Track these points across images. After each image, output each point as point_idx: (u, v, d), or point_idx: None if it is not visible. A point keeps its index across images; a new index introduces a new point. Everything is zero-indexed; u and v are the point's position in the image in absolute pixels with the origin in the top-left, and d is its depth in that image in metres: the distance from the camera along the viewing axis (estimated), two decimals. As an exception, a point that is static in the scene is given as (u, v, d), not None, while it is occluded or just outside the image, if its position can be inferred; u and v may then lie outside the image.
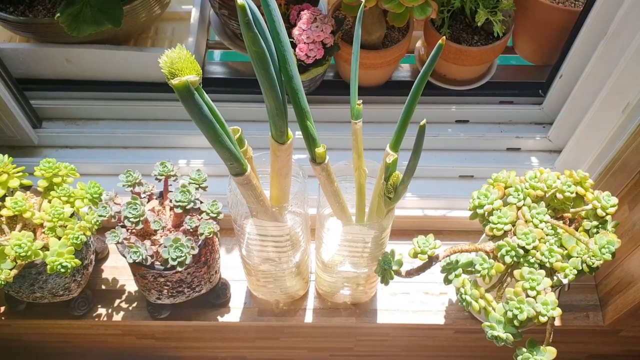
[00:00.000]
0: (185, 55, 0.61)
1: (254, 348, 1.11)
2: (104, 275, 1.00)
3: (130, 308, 0.97)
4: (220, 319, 0.96)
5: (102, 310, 0.97)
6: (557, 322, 0.98)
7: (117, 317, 0.96)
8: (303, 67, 1.02)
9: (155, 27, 1.21)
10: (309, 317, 0.97)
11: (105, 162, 1.07)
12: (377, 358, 1.15)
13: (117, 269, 1.01)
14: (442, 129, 1.11)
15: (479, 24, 1.01)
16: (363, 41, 1.05)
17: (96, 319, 0.96)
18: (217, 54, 1.42)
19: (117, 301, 0.98)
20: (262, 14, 0.61)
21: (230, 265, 1.01)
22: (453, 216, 1.02)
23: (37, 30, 1.05)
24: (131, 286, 0.99)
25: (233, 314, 0.97)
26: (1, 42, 1.14)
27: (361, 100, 0.74)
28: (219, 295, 0.97)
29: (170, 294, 0.89)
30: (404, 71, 1.20)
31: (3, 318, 0.96)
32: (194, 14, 1.15)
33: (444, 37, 0.62)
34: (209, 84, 1.15)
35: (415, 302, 0.99)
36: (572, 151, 1.01)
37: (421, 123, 0.63)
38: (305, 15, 0.99)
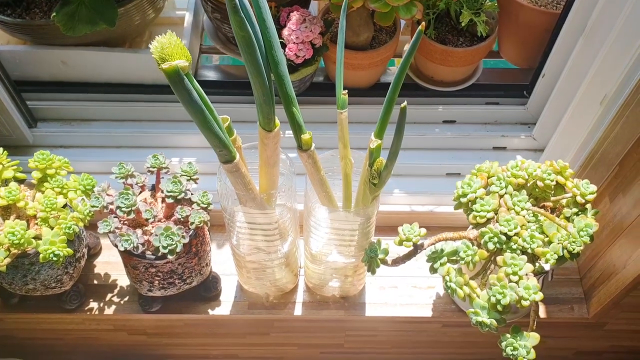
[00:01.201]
0: (175, 41, 0.63)
1: (245, 345, 1.12)
2: (96, 271, 1.02)
3: (122, 302, 0.98)
4: (211, 312, 0.98)
5: (94, 304, 0.98)
6: (542, 315, 1.00)
7: (109, 310, 0.97)
8: (293, 67, 1.05)
9: (149, 31, 1.23)
10: (298, 310, 0.98)
11: (98, 160, 1.09)
12: (367, 355, 1.16)
13: (110, 264, 1.02)
14: (429, 129, 1.14)
15: (463, 24, 1.04)
16: (351, 42, 1.08)
17: (88, 313, 0.97)
18: (214, 58, 1.45)
19: (109, 295, 0.99)
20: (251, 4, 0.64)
21: (220, 261, 1.02)
22: (440, 212, 1.04)
23: (33, 32, 1.08)
24: (123, 281, 1.01)
25: (224, 307, 0.98)
26: (-2, 45, 1.17)
27: (346, 91, 0.76)
28: (209, 289, 0.98)
29: (161, 285, 0.90)
30: (391, 74, 1.23)
31: (-4, 312, 0.97)
32: (188, 18, 1.18)
33: (424, 23, 0.64)
34: (203, 86, 1.17)
35: (404, 295, 1.01)
36: (555, 147, 1.03)
37: (402, 105, 0.65)
38: (294, 16, 1.02)
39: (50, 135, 1.12)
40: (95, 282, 1.01)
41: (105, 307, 0.98)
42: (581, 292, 1.01)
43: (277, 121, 0.74)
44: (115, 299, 0.99)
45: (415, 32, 0.65)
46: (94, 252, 1.03)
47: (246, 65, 0.66)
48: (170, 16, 1.25)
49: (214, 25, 1.18)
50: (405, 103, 0.65)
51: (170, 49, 0.63)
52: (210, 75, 1.22)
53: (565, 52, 0.99)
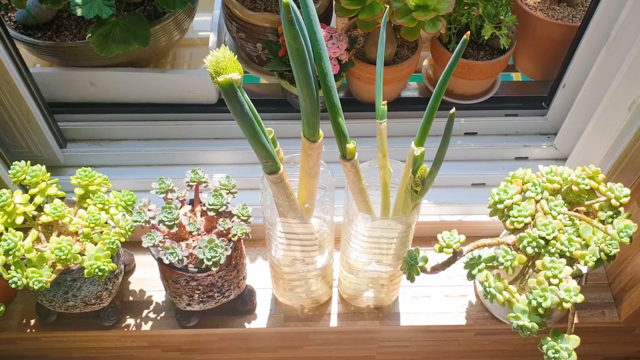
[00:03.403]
0: (229, 55, 0.65)
1: (277, 359, 1.12)
2: (131, 287, 1.02)
3: (159, 318, 0.99)
4: (247, 325, 0.98)
5: (130, 321, 0.99)
6: (574, 320, 1.01)
7: (146, 326, 0.98)
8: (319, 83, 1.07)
9: (173, 52, 1.26)
10: (334, 322, 0.99)
11: (129, 179, 1.10)
12: (397, 366, 1.17)
13: (144, 280, 1.03)
14: (452, 141, 1.15)
15: (485, 38, 1.07)
16: (375, 58, 1.11)
17: (125, 329, 0.98)
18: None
19: (145, 311, 1.00)
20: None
21: (254, 274, 1.03)
22: (469, 221, 1.06)
23: (63, 53, 1.10)
24: (159, 297, 1.01)
25: (260, 321, 0.99)
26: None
27: (385, 102, 0.79)
28: (246, 302, 0.99)
29: (200, 299, 0.91)
30: (411, 89, 1.25)
31: (34, 330, 0.97)
32: (212, 38, 1.21)
33: (469, 32, 0.67)
34: (225, 104, 1.20)
35: (437, 304, 1.02)
36: (578, 155, 1.05)
37: (450, 112, 0.67)
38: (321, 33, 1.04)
39: (80, 155, 1.13)
40: (131, 298, 1.01)
41: (142, 323, 0.98)
42: (611, 297, 1.03)
43: (321, 132, 0.76)
44: (152, 315, 0.99)
45: (461, 41, 0.67)
46: (128, 269, 1.03)
47: (296, 76, 0.68)
48: (192, 37, 1.28)
49: (237, 45, 1.21)
50: (453, 110, 0.67)
51: (224, 63, 0.66)
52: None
53: (586, 62, 1.02)
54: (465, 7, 1.09)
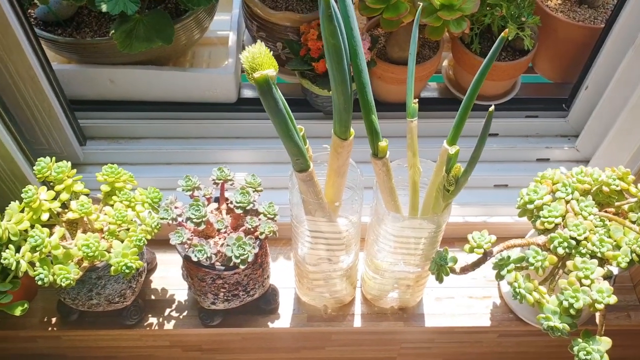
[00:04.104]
0: (265, 51, 0.65)
1: (298, 360, 1.11)
2: (152, 286, 1.02)
3: (181, 317, 0.98)
4: (270, 325, 0.97)
5: (152, 320, 0.98)
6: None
7: (168, 325, 0.97)
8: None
9: (192, 51, 1.25)
10: (357, 322, 0.99)
11: (148, 177, 1.09)
12: (418, 368, 1.16)
13: (166, 279, 1.02)
14: (473, 142, 1.15)
15: (509, 38, 1.07)
16: (397, 57, 1.11)
17: (147, 328, 0.97)
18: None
19: (168, 310, 0.99)
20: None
21: (276, 274, 1.02)
22: (493, 222, 1.05)
23: (84, 50, 1.09)
24: (181, 295, 1.01)
25: (283, 320, 0.98)
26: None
27: (417, 100, 0.78)
28: (269, 301, 0.98)
29: (225, 297, 0.90)
30: (431, 89, 1.25)
31: (55, 329, 0.96)
32: (232, 37, 1.20)
33: (507, 30, 0.66)
34: (244, 103, 1.20)
35: (461, 305, 1.01)
36: (602, 157, 1.05)
37: (490, 109, 0.67)
38: (345, 32, 1.04)
39: (100, 153, 1.12)
40: (153, 297, 1.00)
41: (164, 322, 0.98)
42: (636, 299, 1.02)
43: (352, 130, 0.75)
44: (174, 314, 0.98)
45: (498, 39, 0.66)
46: (150, 267, 1.03)
47: (331, 73, 0.67)
48: (210, 37, 1.28)
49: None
50: (492, 107, 0.67)
51: (260, 59, 0.65)
52: (249, 93, 1.23)
53: (611, 64, 1.02)
54: (488, 8, 1.08)
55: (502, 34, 0.66)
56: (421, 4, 0.80)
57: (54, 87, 0.99)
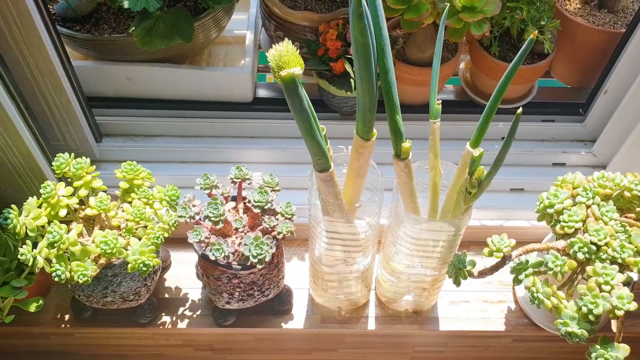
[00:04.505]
0: (292, 49, 0.65)
1: (309, 362, 1.11)
2: (166, 284, 1.01)
3: (195, 316, 0.98)
4: (284, 325, 0.97)
5: (166, 319, 0.97)
6: (614, 329, 1.00)
7: (182, 324, 0.97)
8: (360, 83, 1.06)
9: (208, 50, 1.25)
10: (371, 324, 0.98)
11: (163, 175, 1.09)
12: (430, 372, 1.15)
13: (179, 277, 1.02)
14: (490, 145, 1.13)
15: (529, 42, 1.06)
16: (415, 59, 1.10)
17: (160, 327, 0.96)
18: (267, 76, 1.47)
19: (181, 309, 0.98)
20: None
21: (290, 275, 1.02)
22: (509, 226, 1.04)
23: (102, 47, 1.09)
24: (195, 294, 1.00)
25: (297, 321, 0.98)
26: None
27: (440, 100, 0.78)
28: (283, 302, 0.98)
29: (240, 297, 0.90)
30: (448, 92, 1.25)
31: (68, 326, 0.96)
32: (249, 36, 1.20)
33: (535, 31, 0.66)
34: (260, 103, 1.19)
35: (475, 310, 1.01)
36: (621, 162, 1.04)
37: (518, 112, 0.66)
38: (364, 32, 1.03)
39: (115, 150, 1.12)
40: (167, 295, 1.00)
41: (178, 321, 0.97)
42: (652, 307, 1.01)
43: (375, 130, 0.75)
44: (188, 313, 0.98)
45: (527, 41, 0.66)
46: (164, 265, 1.02)
47: (357, 72, 0.67)
48: (226, 36, 1.27)
49: (272, 43, 1.20)
50: (520, 109, 0.66)
51: (287, 57, 0.65)
52: (264, 93, 1.23)
53: (632, 69, 1.01)
54: (508, 11, 1.08)
55: (532, 35, 0.66)
56: (447, 4, 0.79)
57: (72, 83, 0.99)
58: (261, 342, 1.02)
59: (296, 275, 1.03)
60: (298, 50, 1.20)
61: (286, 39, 0.65)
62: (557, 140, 1.18)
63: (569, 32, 1.17)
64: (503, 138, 1.17)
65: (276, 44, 0.64)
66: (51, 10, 1.11)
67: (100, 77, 1.13)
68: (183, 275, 1.02)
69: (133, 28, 0.98)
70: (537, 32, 0.66)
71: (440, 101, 0.77)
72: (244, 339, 1.01)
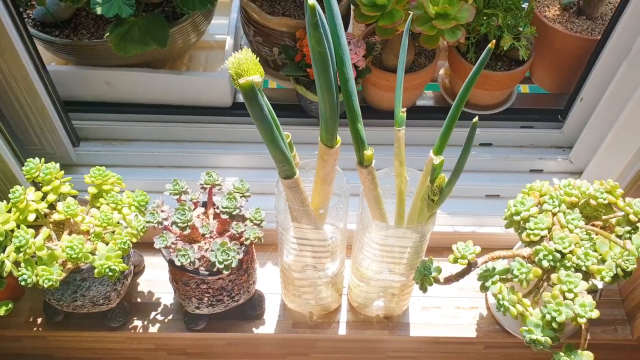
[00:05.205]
0: (251, 57, 0.65)
1: (283, 366, 1.11)
2: (139, 289, 1.02)
3: (166, 320, 0.98)
4: (255, 330, 0.97)
5: (137, 323, 0.98)
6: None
7: (153, 329, 0.97)
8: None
9: (189, 54, 1.26)
10: (342, 330, 0.98)
11: (141, 179, 1.10)
12: (405, 378, 1.15)
13: (153, 282, 1.02)
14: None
15: (504, 48, 1.06)
16: (392, 65, 1.11)
17: (132, 331, 0.97)
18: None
19: (153, 313, 0.99)
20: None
21: (263, 280, 1.02)
22: (482, 232, 1.05)
23: (80, 52, 1.10)
24: (167, 299, 1.01)
25: (268, 326, 0.98)
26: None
27: (405, 109, 0.78)
28: (255, 307, 0.98)
29: (210, 302, 0.90)
30: (427, 98, 1.25)
31: (40, 329, 0.97)
32: (229, 41, 1.20)
33: (494, 40, 0.66)
34: (239, 108, 1.20)
35: (447, 316, 1.01)
36: (595, 169, 1.04)
37: (473, 120, 0.66)
38: (339, 39, 1.04)
39: (93, 154, 1.13)
40: (139, 300, 1.01)
41: (149, 325, 0.98)
42: (624, 314, 1.01)
43: (339, 138, 0.75)
44: (159, 317, 0.98)
45: (485, 49, 0.66)
46: (137, 270, 1.03)
47: (317, 80, 0.67)
48: (208, 40, 1.28)
49: (253, 49, 1.21)
50: (476, 118, 0.66)
51: (246, 65, 0.65)
52: (246, 98, 1.23)
53: (606, 76, 1.01)
54: (485, 18, 1.08)
55: (490, 45, 0.66)
56: (411, 12, 0.80)
57: (47, 88, 1.00)
58: (233, 346, 1.03)
59: (270, 280, 1.03)
60: (277, 56, 1.21)
61: (245, 48, 0.65)
62: (535, 146, 1.18)
63: (548, 38, 1.17)
64: (481, 144, 1.18)
65: (235, 52, 0.65)
66: (30, 15, 1.12)
67: (79, 82, 1.13)
68: (156, 280, 1.02)
69: (108, 34, 0.99)
70: (494, 42, 0.66)
71: (405, 109, 0.77)
72: (216, 343, 1.02)
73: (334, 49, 0.67)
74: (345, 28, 1.17)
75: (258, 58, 1.26)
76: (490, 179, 1.13)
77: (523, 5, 1.09)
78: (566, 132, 1.16)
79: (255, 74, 0.64)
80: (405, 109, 0.77)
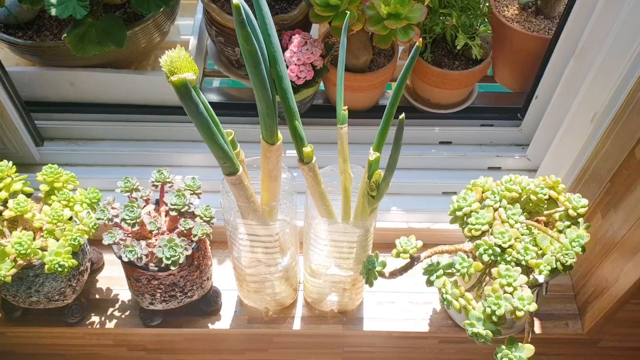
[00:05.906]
0: (184, 55, 0.66)
1: (244, 362, 1.13)
2: (98, 285, 1.03)
3: (123, 316, 1.00)
4: (211, 326, 0.99)
5: (95, 319, 0.99)
6: (538, 330, 1.02)
7: (110, 324, 0.99)
8: (294, 88, 1.08)
9: (154, 54, 1.27)
10: (297, 324, 1.00)
11: (103, 178, 1.11)
12: (364, 373, 1.17)
13: (112, 279, 1.04)
14: (426, 149, 1.17)
15: (458, 48, 1.08)
16: (350, 65, 1.12)
17: (89, 327, 0.99)
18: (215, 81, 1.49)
19: (111, 310, 1.00)
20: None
21: (221, 276, 1.04)
22: (436, 228, 1.06)
23: (44, 53, 1.11)
24: (125, 295, 1.02)
25: (224, 322, 1.00)
26: (8, 66, 1.20)
27: (346, 107, 0.79)
28: (210, 303, 1.00)
29: (163, 298, 0.92)
30: (389, 97, 1.26)
31: (-1, 325, 0.98)
32: (192, 41, 1.22)
33: (420, 39, 0.67)
34: (205, 108, 1.21)
35: (401, 310, 1.02)
36: (548, 166, 1.06)
37: (400, 117, 0.68)
38: (296, 39, 1.06)
39: (57, 154, 1.14)
40: (97, 296, 1.02)
41: (107, 321, 0.99)
42: (575, 309, 1.03)
43: (280, 135, 0.77)
44: (117, 313, 1.00)
45: (413, 49, 0.68)
46: (96, 266, 1.04)
47: (251, 78, 0.69)
48: (174, 40, 1.29)
49: (217, 49, 1.22)
50: (402, 115, 0.68)
51: (179, 63, 0.66)
52: (212, 97, 1.25)
53: (556, 74, 1.03)
54: (441, 17, 1.10)
55: (417, 43, 0.68)
56: (360, 12, 0.81)
57: (6, 89, 1.02)
58: (192, 342, 1.04)
59: (228, 276, 1.04)
60: (239, 56, 1.23)
61: (179, 46, 0.67)
62: (494, 144, 1.19)
63: (506, 38, 1.19)
64: (440, 143, 1.19)
65: (168, 51, 0.66)
66: (-7, 17, 1.14)
67: (43, 83, 1.15)
68: (115, 277, 1.04)
69: (65, 35, 1.00)
70: (421, 40, 0.68)
71: (347, 107, 0.79)
72: (174, 339, 1.03)
73: (266, 47, 0.69)
74: (308, 28, 1.19)
75: (222, 58, 1.27)
76: (449, 177, 1.14)
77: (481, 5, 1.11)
78: (524, 130, 1.18)
79: (188, 72, 0.66)
80: (346, 107, 0.79)
